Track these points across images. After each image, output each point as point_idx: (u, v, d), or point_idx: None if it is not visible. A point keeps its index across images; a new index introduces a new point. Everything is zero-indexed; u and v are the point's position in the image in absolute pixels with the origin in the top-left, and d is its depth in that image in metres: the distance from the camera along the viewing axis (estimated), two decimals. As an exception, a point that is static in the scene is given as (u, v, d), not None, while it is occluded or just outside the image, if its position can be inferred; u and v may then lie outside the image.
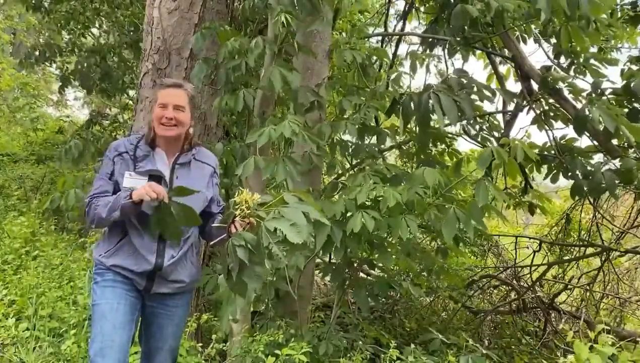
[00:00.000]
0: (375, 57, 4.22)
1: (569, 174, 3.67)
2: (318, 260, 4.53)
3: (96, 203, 2.11)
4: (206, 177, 2.30)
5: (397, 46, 5.66)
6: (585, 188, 3.61)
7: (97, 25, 7.27)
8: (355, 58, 3.35)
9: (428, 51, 4.40)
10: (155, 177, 2.16)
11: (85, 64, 6.54)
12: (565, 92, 3.64)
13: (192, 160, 2.26)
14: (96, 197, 2.13)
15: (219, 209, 2.32)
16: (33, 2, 6.36)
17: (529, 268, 5.76)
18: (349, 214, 2.91)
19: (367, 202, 2.87)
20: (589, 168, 3.62)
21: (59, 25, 6.74)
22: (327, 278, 3.87)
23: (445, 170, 3.42)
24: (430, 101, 3.16)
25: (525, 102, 3.92)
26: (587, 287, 5.66)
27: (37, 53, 6.85)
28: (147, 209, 2.03)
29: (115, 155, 2.20)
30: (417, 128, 3.62)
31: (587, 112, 3.24)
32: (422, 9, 5.62)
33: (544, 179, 4.01)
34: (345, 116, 3.66)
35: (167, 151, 2.24)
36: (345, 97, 3.56)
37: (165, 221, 2.00)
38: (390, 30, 6.25)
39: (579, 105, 3.52)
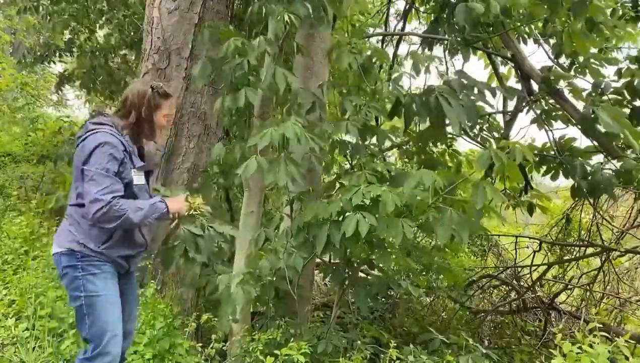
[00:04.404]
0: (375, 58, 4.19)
1: (568, 174, 3.67)
2: (318, 260, 4.52)
3: (120, 205, 2.11)
4: None
5: (397, 46, 5.67)
6: (585, 189, 3.60)
7: (99, 26, 7.26)
8: (355, 60, 3.33)
9: (428, 51, 4.39)
10: (147, 172, 2.40)
11: (87, 64, 6.55)
12: (565, 92, 3.64)
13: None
14: (117, 198, 2.11)
15: None
16: (33, 4, 6.35)
17: (529, 268, 5.75)
18: (347, 214, 2.89)
19: (365, 201, 2.85)
20: (588, 168, 3.61)
21: (62, 27, 6.73)
22: (327, 278, 3.87)
23: (446, 171, 3.40)
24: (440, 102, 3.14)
25: (525, 102, 3.92)
26: (587, 287, 5.65)
27: (36, 53, 6.84)
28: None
29: (123, 156, 2.21)
30: (420, 128, 3.61)
31: (591, 113, 3.22)
32: (422, 9, 5.62)
33: (542, 176, 4.01)
34: (346, 116, 3.64)
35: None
36: (346, 97, 3.55)
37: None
38: (390, 30, 6.25)
39: (578, 105, 3.52)
